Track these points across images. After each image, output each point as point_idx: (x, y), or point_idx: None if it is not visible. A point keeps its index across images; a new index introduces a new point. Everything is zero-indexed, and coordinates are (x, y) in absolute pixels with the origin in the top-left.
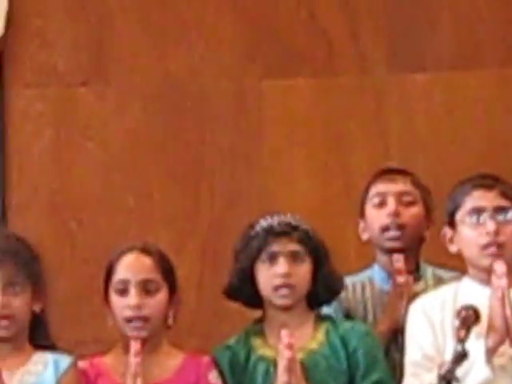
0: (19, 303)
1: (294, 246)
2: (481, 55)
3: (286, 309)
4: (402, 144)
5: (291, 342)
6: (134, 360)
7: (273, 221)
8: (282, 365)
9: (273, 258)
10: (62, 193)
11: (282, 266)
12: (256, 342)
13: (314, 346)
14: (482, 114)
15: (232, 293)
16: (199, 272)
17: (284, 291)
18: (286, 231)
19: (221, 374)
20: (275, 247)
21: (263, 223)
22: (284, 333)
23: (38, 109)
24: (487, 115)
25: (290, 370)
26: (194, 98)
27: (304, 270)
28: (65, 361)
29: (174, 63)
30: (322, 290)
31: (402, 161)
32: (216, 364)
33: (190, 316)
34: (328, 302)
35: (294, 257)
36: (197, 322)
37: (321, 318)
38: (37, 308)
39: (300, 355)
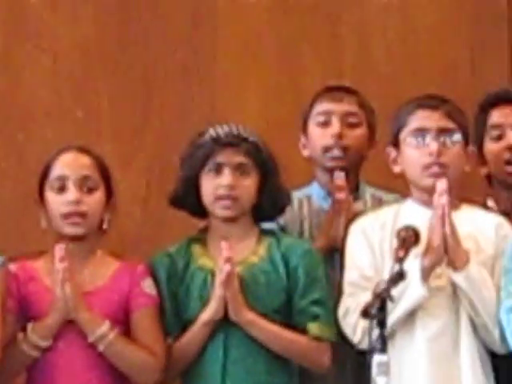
0: None
1: (240, 158)
2: None
3: (228, 220)
4: (356, 66)
5: (230, 256)
6: (60, 266)
7: (221, 131)
8: (219, 278)
9: (218, 169)
10: (9, 104)
11: (226, 177)
12: (197, 251)
13: (254, 259)
14: (436, 40)
15: (177, 201)
16: (145, 186)
17: (226, 202)
18: (234, 142)
19: (156, 282)
20: (221, 158)
21: (211, 132)
22: (224, 245)
23: None
24: (441, 41)
25: (226, 283)
26: (148, 11)
27: (249, 182)
28: None
29: None
30: (267, 204)
31: (354, 83)
32: (151, 272)
33: (136, 230)
34: (273, 216)
35: (239, 169)
36: (142, 236)
37: (265, 233)
38: None
39: (240, 268)
